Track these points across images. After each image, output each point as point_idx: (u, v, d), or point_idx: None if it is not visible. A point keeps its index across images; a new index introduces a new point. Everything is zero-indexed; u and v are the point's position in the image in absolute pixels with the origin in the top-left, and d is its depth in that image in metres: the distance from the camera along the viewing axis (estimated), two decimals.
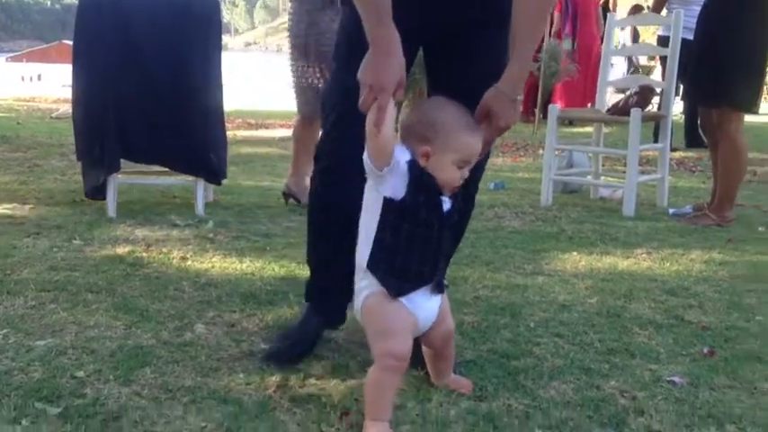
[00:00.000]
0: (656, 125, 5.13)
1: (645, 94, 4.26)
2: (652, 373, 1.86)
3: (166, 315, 2.17)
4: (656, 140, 4.95)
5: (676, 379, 1.82)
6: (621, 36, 9.86)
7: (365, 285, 1.54)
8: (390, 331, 1.52)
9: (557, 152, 4.36)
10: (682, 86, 5.02)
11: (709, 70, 3.61)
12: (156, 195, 3.91)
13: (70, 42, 3.70)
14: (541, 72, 7.60)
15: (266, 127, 7.95)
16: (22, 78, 16.87)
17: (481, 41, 1.72)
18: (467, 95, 1.55)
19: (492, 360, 1.90)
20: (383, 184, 1.48)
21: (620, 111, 4.20)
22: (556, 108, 4.21)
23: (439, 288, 1.59)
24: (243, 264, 2.71)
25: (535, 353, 1.97)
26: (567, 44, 8.46)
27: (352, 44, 1.63)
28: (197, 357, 1.88)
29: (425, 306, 1.57)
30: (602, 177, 4.49)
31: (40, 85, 15.89)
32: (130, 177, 3.70)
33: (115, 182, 3.41)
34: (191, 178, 3.54)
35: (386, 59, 1.49)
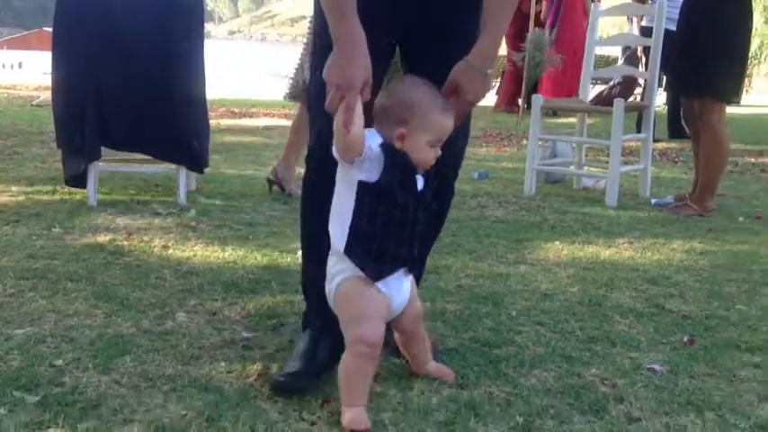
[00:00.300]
0: (639, 116, 5.15)
1: (628, 84, 4.27)
2: (632, 361, 1.87)
3: (147, 303, 2.15)
4: (639, 131, 4.97)
5: (656, 367, 1.83)
6: (628, 30, 9.82)
7: (340, 270, 1.53)
8: (364, 317, 1.51)
9: (540, 142, 4.37)
10: (665, 77, 5.04)
11: (692, 61, 3.62)
12: (138, 183, 3.88)
13: (50, 29, 3.65)
14: (526, 62, 7.60)
15: (250, 116, 7.91)
16: (3, 66, 16.63)
17: (455, 25, 1.69)
18: (443, 80, 1.55)
19: (474, 348, 1.91)
20: (355, 170, 1.48)
21: (604, 101, 4.22)
22: (540, 98, 4.22)
23: (411, 269, 1.59)
24: (225, 252, 2.70)
25: (517, 341, 1.97)
26: (546, 35, 8.45)
27: (323, 45, 1.59)
28: (178, 346, 1.86)
29: (399, 289, 1.56)
30: (586, 168, 4.50)
31: (21, 72, 15.69)
32: (112, 165, 3.67)
33: (96, 170, 3.38)
34: (173, 166, 3.52)
35: (351, 57, 1.46)
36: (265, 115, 7.84)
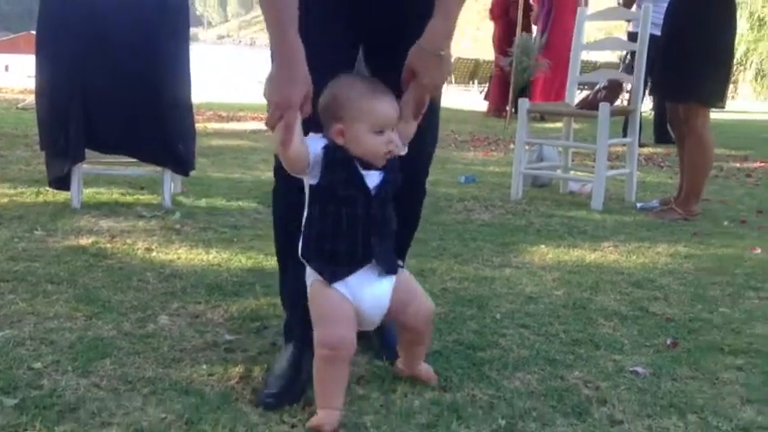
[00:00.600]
0: (625, 120, 5.17)
1: (613, 88, 4.29)
2: (615, 364, 1.87)
3: (129, 306, 2.13)
4: (625, 135, 4.99)
5: (639, 369, 1.83)
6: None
7: (308, 274, 1.53)
8: (323, 319, 1.49)
9: (527, 146, 4.37)
10: (650, 82, 5.06)
11: (677, 65, 3.64)
12: (123, 186, 3.85)
13: None
14: (513, 67, 7.63)
15: (238, 120, 7.88)
16: None
17: (417, 30, 1.59)
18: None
19: (457, 351, 1.90)
20: (307, 177, 1.48)
21: (589, 105, 4.24)
22: (526, 102, 4.22)
23: (389, 270, 1.52)
24: (209, 255, 2.68)
25: (501, 344, 1.97)
26: (537, 39, 8.47)
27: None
28: (159, 348, 1.85)
29: (370, 290, 1.50)
30: (572, 172, 4.52)
31: (7, 75, 15.60)
32: (96, 167, 3.65)
33: (80, 172, 3.35)
34: (158, 169, 3.49)
35: (289, 75, 1.43)
36: (253, 119, 7.81)
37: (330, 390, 1.48)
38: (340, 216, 1.45)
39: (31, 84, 3.59)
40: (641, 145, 5.70)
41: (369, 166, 1.47)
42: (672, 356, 1.93)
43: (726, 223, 3.64)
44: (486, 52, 13.09)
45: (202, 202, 3.59)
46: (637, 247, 3.08)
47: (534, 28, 8.96)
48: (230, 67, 19.98)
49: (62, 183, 3.40)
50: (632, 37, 5.99)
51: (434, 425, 1.52)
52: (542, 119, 8.04)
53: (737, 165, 5.87)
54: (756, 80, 19.48)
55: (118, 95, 3.29)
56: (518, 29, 7.97)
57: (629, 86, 4.93)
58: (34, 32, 3.52)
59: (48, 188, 3.53)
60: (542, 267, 2.72)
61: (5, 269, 2.40)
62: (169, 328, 1.98)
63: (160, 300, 2.20)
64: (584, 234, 3.29)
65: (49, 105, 3.36)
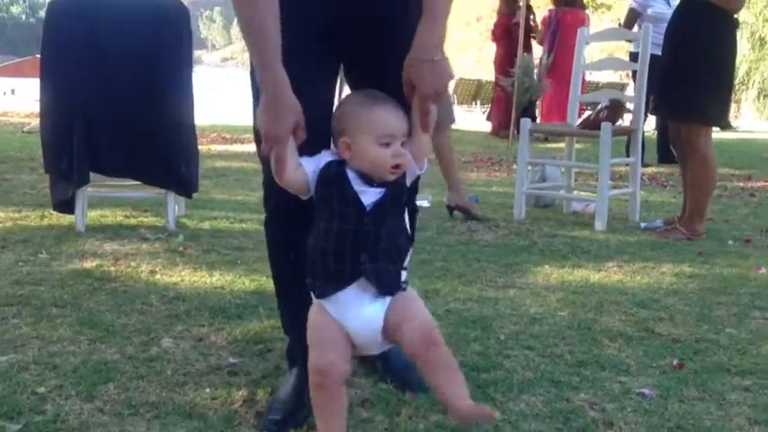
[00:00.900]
0: (628, 140, 5.18)
1: (615, 108, 4.30)
2: (622, 386, 1.85)
3: (132, 330, 2.13)
4: (628, 155, 5.00)
5: (646, 391, 1.82)
6: None
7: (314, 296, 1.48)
8: (314, 344, 1.43)
9: (529, 167, 4.38)
10: (652, 102, 5.08)
11: (677, 85, 3.64)
12: (127, 208, 3.86)
13: None
14: (515, 87, 7.66)
15: (241, 142, 7.92)
16: None
17: (396, 46, 1.56)
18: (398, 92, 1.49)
19: (462, 373, 1.89)
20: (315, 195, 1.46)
21: (591, 125, 4.24)
22: (527, 122, 4.24)
23: (384, 290, 1.41)
24: (213, 277, 2.68)
25: (505, 365, 1.96)
26: (544, 60, 8.51)
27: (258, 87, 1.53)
28: (163, 372, 1.84)
29: (358, 311, 1.40)
30: (575, 192, 4.52)
31: (14, 99, 15.71)
32: (100, 191, 3.66)
33: (84, 195, 3.36)
34: (162, 191, 3.50)
35: (274, 108, 1.41)
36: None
37: (328, 419, 1.44)
38: (329, 230, 1.40)
39: (37, 108, 3.61)
40: (644, 165, 5.71)
41: (373, 182, 1.41)
42: (678, 378, 1.92)
43: (730, 243, 3.63)
44: (489, 73, 13.13)
45: (206, 225, 3.60)
46: (641, 267, 3.07)
47: (535, 49, 9.01)
48: (234, 90, 20.10)
49: (66, 206, 3.41)
50: (634, 57, 6.03)
51: None
52: (546, 139, 8.06)
53: (741, 184, 5.86)
54: (759, 100, 19.53)
55: (121, 118, 3.30)
56: (519, 49, 8.01)
57: (631, 106, 4.95)
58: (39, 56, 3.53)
59: (52, 211, 3.54)
60: (546, 288, 2.71)
61: (10, 293, 2.40)
62: (173, 352, 1.98)
63: (164, 323, 2.20)
64: (588, 254, 3.29)
65: (53, 128, 3.38)
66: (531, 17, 8.90)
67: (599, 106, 4.42)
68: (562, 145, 5.75)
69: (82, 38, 3.26)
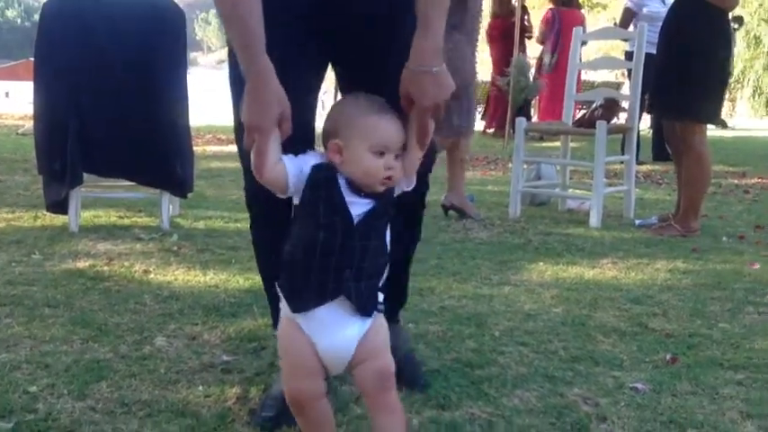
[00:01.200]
0: (623, 138, 5.19)
1: (610, 106, 4.30)
2: (615, 380, 1.85)
3: (125, 329, 2.12)
4: (623, 153, 5.00)
5: (639, 386, 1.82)
6: None
7: (283, 304, 1.39)
8: (283, 368, 1.39)
9: (525, 165, 4.38)
10: (647, 100, 5.09)
11: (672, 83, 3.65)
12: (121, 209, 3.85)
13: None
14: (511, 87, 7.66)
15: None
16: None
17: (392, 34, 1.55)
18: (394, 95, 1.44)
19: (456, 369, 1.89)
20: (295, 197, 1.37)
21: (586, 123, 4.25)
22: (523, 121, 4.24)
23: (363, 311, 1.33)
24: (206, 276, 2.68)
25: (499, 361, 1.95)
26: (547, 59, 8.50)
27: (237, 86, 1.49)
28: (155, 370, 1.84)
29: (336, 331, 1.32)
30: (570, 189, 4.52)
31: (8, 102, 15.69)
32: (94, 191, 3.65)
33: (78, 196, 3.35)
34: (156, 191, 3.50)
35: (258, 99, 1.36)
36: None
37: None
38: (314, 240, 1.31)
39: (31, 110, 3.60)
40: (639, 162, 5.72)
41: (361, 192, 1.32)
42: (671, 372, 1.92)
43: (724, 239, 3.63)
44: (485, 73, 13.14)
45: (200, 224, 3.59)
46: (635, 263, 3.07)
47: (530, 49, 9.02)
48: (229, 92, 20.01)
49: (59, 207, 3.40)
50: (630, 56, 6.04)
51: None
52: (541, 138, 8.07)
53: (735, 181, 5.87)
54: (754, 98, 19.58)
55: (115, 119, 3.30)
56: (515, 50, 8.01)
57: (626, 105, 4.96)
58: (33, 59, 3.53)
59: (45, 212, 3.53)
60: (541, 285, 2.71)
61: (2, 293, 2.40)
62: (166, 350, 1.97)
63: (157, 321, 2.19)
64: (583, 251, 3.29)
65: (46, 129, 3.37)
66: (526, 17, 8.91)
67: (594, 105, 4.43)
68: (557, 143, 5.76)
69: (75, 38, 3.26)
